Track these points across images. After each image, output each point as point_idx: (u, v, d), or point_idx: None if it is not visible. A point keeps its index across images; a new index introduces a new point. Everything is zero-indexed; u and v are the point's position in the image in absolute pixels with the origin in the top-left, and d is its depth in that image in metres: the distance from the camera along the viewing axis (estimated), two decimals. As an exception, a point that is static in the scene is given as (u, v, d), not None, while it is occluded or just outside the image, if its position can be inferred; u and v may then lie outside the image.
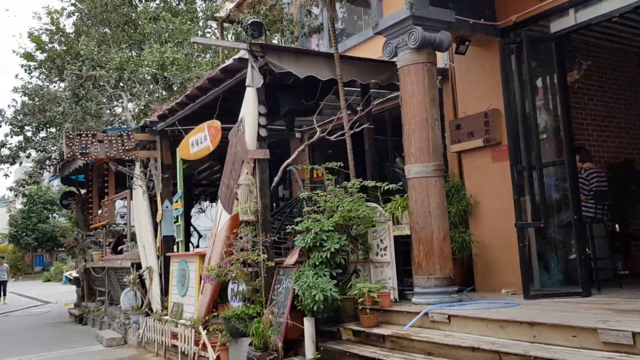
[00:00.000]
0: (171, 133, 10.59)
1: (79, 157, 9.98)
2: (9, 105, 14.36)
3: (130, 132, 10.49)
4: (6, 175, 14.62)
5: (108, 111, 13.39)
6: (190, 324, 8.45)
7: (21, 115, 13.79)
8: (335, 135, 7.53)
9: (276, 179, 7.55)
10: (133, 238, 11.90)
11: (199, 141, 9.00)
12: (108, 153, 10.24)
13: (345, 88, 7.78)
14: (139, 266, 11.02)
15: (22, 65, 16.71)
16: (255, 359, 6.46)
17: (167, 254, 10.27)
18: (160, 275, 10.40)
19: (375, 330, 6.01)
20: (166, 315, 9.81)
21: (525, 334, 4.88)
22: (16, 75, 15.77)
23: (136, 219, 11.21)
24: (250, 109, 7.34)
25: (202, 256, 8.91)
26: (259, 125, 7.39)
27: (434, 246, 6.25)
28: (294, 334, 6.73)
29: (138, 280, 10.59)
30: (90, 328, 13.33)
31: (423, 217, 6.31)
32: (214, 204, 19.05)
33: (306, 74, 7.43)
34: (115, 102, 13.07)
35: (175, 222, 10.22)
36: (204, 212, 17.78)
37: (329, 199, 7.05)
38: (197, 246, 15.43)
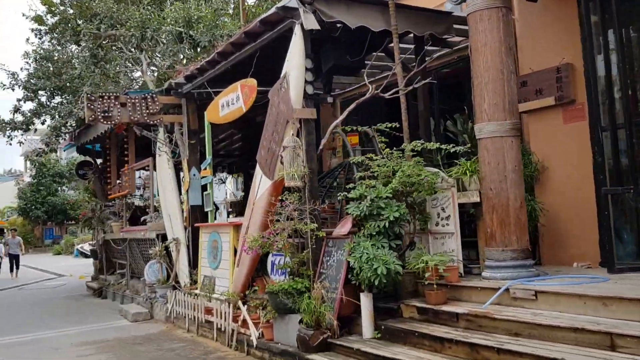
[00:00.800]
0: (198, 96, 9.90)
1: (101, 120, 9.31)
2: (21, 69, 13.66)
3: (154, 95, 9.80)
4: (20, 142, 13.95)
5: (125, 75, 12.65)
6: (226, 299, 7.88)
7: (35, 78, 13.06)
8: (389, 93, 6.82)
9: (323, 141, 6.86)
10: (157, 208, 11.30)
11: (230, 102, 8.31)
12: (132, 117, 9.57)
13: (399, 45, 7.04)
14: (164, 238, 10.43)
15: (33, 30, 15.96)
16: (307, 338, 5.85)
17: (196, 225, 9.67)
18: (187, 246, 9.81)
19: (445, 308, 5.38)
20: (196, 289, 9.24)
21: (637, 313, 4.24)
22: (27, 39, 14.93)
23: (160, 188, 10.58)
24: (296, 63, 6.63)
25: (236, 226, 8.30)
26: (305, 81, 6.69)
27: (510, 214, 5.58)
28: (347, 311, 6.13)
29: (164, 252, 9.99)
30: (111, 302, 12.82)
31: (497, 182, 5.63)
32: (230, 176, 18.48)
33: (357, 24, 6.71)
34: (133, 66, 12.33)
35: (204, 191, 9.58)
36: (224, 182, 17.17)
37: (383, 164, 6.38)
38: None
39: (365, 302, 5.82)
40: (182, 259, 9.81)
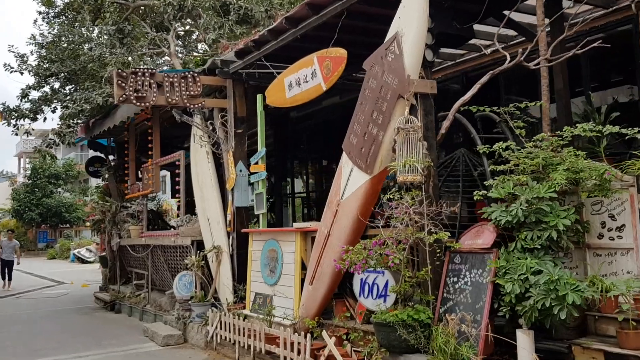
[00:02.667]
0: (247, 77, 8.30)
1: (133, 100, 7.67)
2: (31, 52, 11.98)
3: (196, 74, 8.17)
4: (27, 132, 12.25)
5: (149, 58, 11.01)
6: (292, 324, 6.26)
7: (47, 62, 11.36)
8: (533, 63, 5.20)
9: (446, 124, 5.23)
10: (189, 209, 9.66)
11: (302, 80, 6.71)
12: (169, 99, 7.93)
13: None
14: (199, 245, 8.79)
15: (40, 13, 14.37)
16: (444, 391, 4.23)
17: (243, 230, 8.04)
18: (231, 256, 8.17)
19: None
20: (242, 307, 7.59)
21: None
22: (35, 21, 13.29)
23: (196, 186, 8.93)
24: (413, 19, 5.04)
25: (304, 233, 6.68)
26: (426, 45, 5.11)
27: None
28: (488, 351, 4.52)
29: (202, 262, 8.34)
30: (127, 317, 11.13)
31: None
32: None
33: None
34: (161, 48, 10.69)
35: (255, 191, 7.95)
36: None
37: (532, 154, 4.78)
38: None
39: (525, 341, 4.20)
40: (224, 272, 8.17)
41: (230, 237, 8.21)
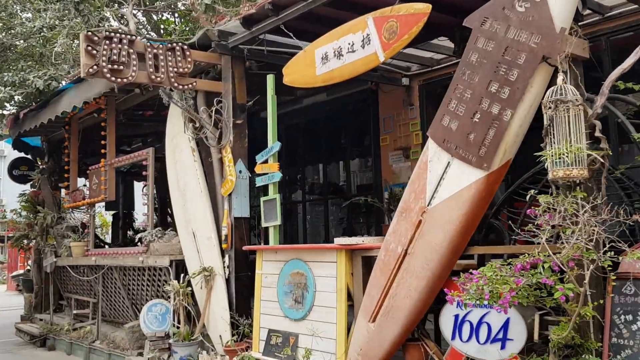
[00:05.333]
0: (249, 54, 6.62)
1: (107, 74, 5.75)
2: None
3: (185, 47, 6.38)
4: None
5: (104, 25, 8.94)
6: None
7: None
8: None
9: (600, 100, 3.75)
10: (167, 222, 7.74)
11: (346, 49, 5.11)
12: (152, 75, 6.08)
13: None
14: (177, 266, 6.91)
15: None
16: None
17: (245, 248, 6.28)
18: (227, 280, 6.36)
19: None
20: (245, 348, 5.82)
21: None
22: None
23: (178, 192, 7.07)
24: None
25: (349, 251, 5.05)
26: (579, -10, 3.69)
27: None
28: None
29: (188, 290, 6.46)
30: (66, 356, 8.90)
31: None
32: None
33: None
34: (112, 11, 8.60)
35: (263, 197, 6.22)
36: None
37: None
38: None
39: None
40: (218, 301, 6.34)
41: (226, 256, 6.41)
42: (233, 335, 6.08)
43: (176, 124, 7.15)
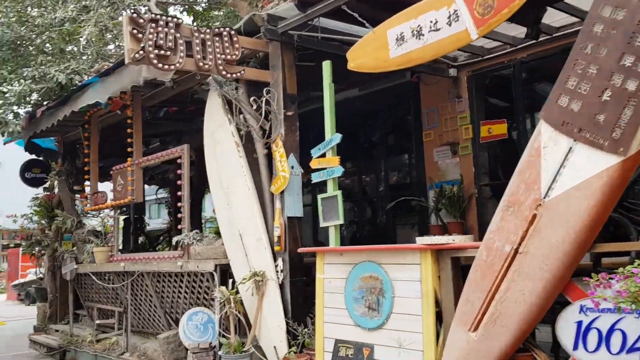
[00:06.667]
0: (299, 40, 6.13)
1: (154, 60, 5.22)
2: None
3: (233, 32, 5.87)
4: None
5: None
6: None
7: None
8: None
9: None
10: (198, 225, 7.20)
11: (428, 28, 4.61)
12: (200, 63, 5.57)
13: None
14: (222, 271, 6.38)
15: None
16: None
17: (300, 250, 5.77)
18: (280, 286, 5.83)
19: None
20: (307, 360, 5.29)
21: None
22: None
23: (220, 190, 6.54)
24: None
25: (435, 252, 4.54)
26: None
27: None
28: None
29: (238, 297, 5.93)
30: (90, 370, 8.34)
31: None
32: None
33: None
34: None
35: (319, 194, 5.71)
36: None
37: None
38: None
39: None
40: (271, 308, 5.82)
41: (279, 259, 5.88)
42: (292, 346, 5.55)
43: (216, 118, 6.63)
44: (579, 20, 6.69)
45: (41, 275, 11.80)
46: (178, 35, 5.43)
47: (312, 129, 6.79)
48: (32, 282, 20.43)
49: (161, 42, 5.28)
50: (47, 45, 8.20)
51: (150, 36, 5.23)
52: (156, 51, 5.26)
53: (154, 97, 8.17)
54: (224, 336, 6.14)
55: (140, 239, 13.91)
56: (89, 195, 9.16)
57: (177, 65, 5.39)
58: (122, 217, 14.36)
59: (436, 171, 8.15)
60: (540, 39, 7.01)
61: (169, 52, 5.35)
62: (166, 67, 5.35)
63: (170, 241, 16.63)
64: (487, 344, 3.95)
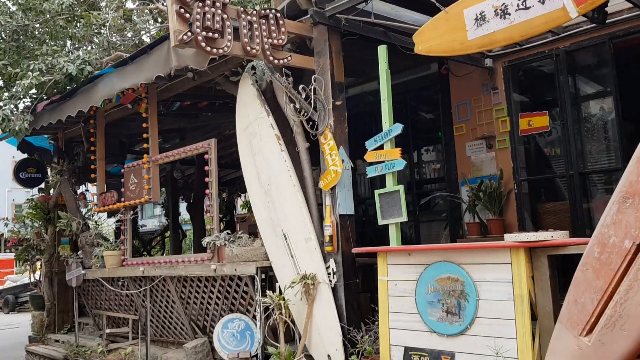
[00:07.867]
0: (349, 24, 5.70)
1: (202, 43, 4.72)
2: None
3: (279, 15, 5.40)
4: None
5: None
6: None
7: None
8: None
9: None
10: (228, 225, 6.69)
11: (515, 6, 4.24)
12: (248, 47, 5.09)
13: None
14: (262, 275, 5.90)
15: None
16: None
17: (355, 250, 5.33)
18: (333, 289, 5.38)
19: None
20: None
21: None
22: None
23: (259, 188, 6.05)
24: None
25: (528, 249, 4.16)
26: None
27: None
28: None
29: (287, 302, 5.45)
30: (103, 383, 7.74)
31: None
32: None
33: None
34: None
35: (378, 189, 5.28)
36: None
37: None
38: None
39: None
40: (323, 313, 5.36)
41: (331, 260, 5.43)
42: (351, 355, 5.10)
43: (250, 110, 6.15)
44: (628, 7, 6.45)
45: (35, 281, 11.10)
46: (225, 16, 4.94)
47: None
48: (12, 289, 19.52)
49: (208, 23, 4.78)
50: (53, 33, 7.56)
51: (198, 16, 4.73)
52: (204, 33, 4.76)
53: (169, 90, 7.64)
54: (266, 345, 5.67)
55: (134, 242, 13.29)
56: (95, 195, 8.55)
57: (225, 49, 4.90)
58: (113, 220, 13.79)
59: (469, 166, 7.80)
60: (586, 27, 6.75)
61: (216, 35, 4.85)
62: (214, 50, 4.85)
63: (164, 244, 16.12)
64: (603, 349, 3.58)
